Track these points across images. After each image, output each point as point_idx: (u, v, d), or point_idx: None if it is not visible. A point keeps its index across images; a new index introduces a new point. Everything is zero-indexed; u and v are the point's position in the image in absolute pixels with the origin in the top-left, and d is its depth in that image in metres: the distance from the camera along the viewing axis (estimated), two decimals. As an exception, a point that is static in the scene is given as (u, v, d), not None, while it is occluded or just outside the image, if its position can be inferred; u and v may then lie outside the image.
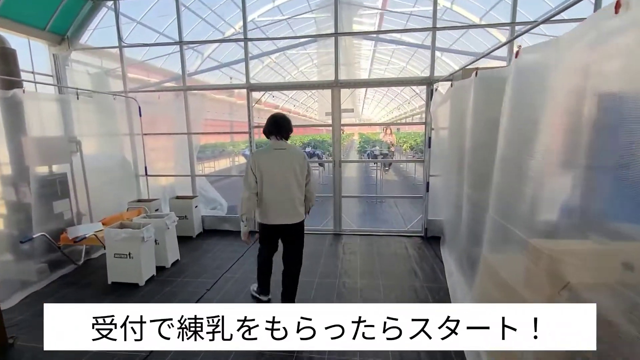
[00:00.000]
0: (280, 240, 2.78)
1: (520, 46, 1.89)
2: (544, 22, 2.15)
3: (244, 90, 4.57)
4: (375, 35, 5.47)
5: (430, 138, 4.31)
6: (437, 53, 10.55)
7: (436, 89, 4.05)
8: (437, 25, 4.12)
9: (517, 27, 4.09)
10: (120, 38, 4.68)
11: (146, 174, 4.97)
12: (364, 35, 5.05)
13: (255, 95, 4.71)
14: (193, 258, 4.01)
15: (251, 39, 4.52)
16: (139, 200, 4.71)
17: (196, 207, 4.77)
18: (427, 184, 4.46)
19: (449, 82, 4.04)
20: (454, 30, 8.87)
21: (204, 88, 4.69)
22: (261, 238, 2.78)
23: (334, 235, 4.72)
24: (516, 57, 1.90)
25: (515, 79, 1.94)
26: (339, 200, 4.73)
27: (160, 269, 3.61)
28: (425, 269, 3.60)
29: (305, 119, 25.47)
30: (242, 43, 4.50)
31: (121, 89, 4.94)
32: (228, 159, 10.81)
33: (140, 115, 4.83)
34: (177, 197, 4.86)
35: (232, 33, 7.69)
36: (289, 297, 2.79)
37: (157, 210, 4.62)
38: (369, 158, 8.35)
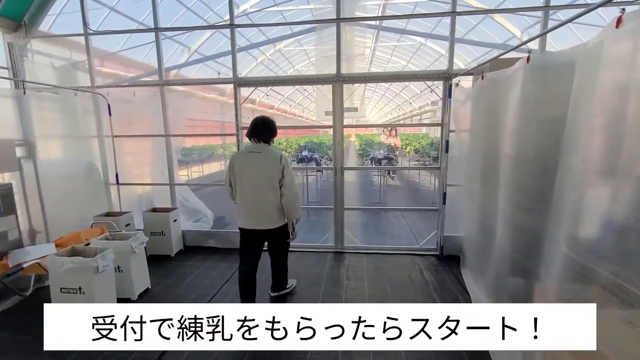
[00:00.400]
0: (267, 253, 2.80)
1: (623, 10, 1.28)
2: (603, 3, 1.51)
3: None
4: (382, 22, 4.84)
5: (447, 142, 3.69)
6: (441, 50, 9.99)
7: (457, 84, 3.44)
8: (457, 10, 3.50)
9: (550, 12, 3.50)
10: (85, 24, 4.00)
11: (117, 183, 4.29)
12: (370, 22, 4.39)
13: (245, 92, 4.07)
14: (167, 286, 3.34)
15: (238, 25, 3.87)
16: (108, 214, 4.02)
17: (175, 221, 4.10)
18: (444, 194, 3.83)
19: (472, 78, 3.45)
20: (462, 24, 8.32)
21: (183, 83, 4.05)
22: (240, 245, 2.67)
23: (335, 253, 4.08)
24: (617, 26, 1.28)
25: (612, 59, 1.32)
26: (340, 213, 4.09)
27: (124, 303, 2.95)
28: (448, 301, 2.96)
29: (301, 119, 24.84)
30: (228, 32, 3.85)
31: (96, 84, 4.25)
32: (219, 162, 10.10)
33: (110, 114, 4.15)
34: (154, 210, 4.18)
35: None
36: (275, 287, 2.97)
37: (127, 225, 3.94)
38: (371, 162, 7.69)
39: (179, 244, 4.22)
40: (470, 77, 3.49)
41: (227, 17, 3.86)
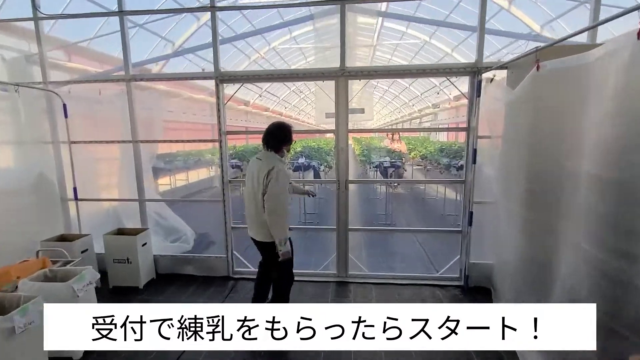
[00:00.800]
0: None
1: None
2: None
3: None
4: (389, 7, 4.18)
5: (475, 150, 3.04)
6: (447, 48, 9.38)
7: (491, 80, 2.79)
8: (489, -11, 2.86)
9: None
10: (34, 6, 3.29)
11: (76, 198, 3.57)
12: (378, 4, 3.70)
13: (230, 90, 3.39)
14: (126, 333, 2.63)
15: (220, 8, 3.18)
16: (62, 238, 3.30)
17: (144, 245, 3.38)
18: (470, 214, 3.16)
19: (507, 73, 2.81)
20: (470, 18, 7.71)
21: (154, 78, 3.35)
22: None
23: (338, 284, 3.39)
24: None
25: None
26: (344, 235, 3.41)
27: (62, 364, 2.26)
28: (488, 356, 2.29)
29: (297, 122, 24.15)
30: (209, 21, 3.16)
31: (51, 79, 3.54)
32: (207, 169, 9.30)
33: (66, 115, 3.44)
34: (119, 231, 3.46)
35: (207, 19, 6.37)
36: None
37: (84, 251, 3.23)
38: (377, 170, 6.98)
39: (150, 272, 3.49)
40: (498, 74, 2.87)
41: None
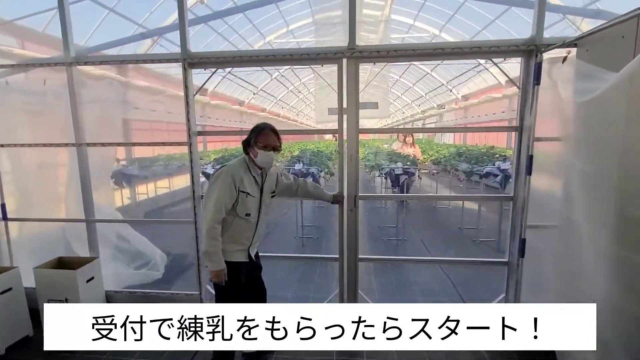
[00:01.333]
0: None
1: None
2: None
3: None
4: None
5: (531, 157, 2.25)
6: (470, 28, 8.58)
7: (564, 60, 2.00)
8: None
9: None
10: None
11: (5, 218, 2.76)
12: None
13: (198, 79, 2.61)
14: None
15: (188, -34, 2.41)
16: (-21, 272, 2.50)
17: (91, 280, 2.58)
18: (522, 242, 2.37)
19: (576, 52, 2.04)
20: (489, 10, 6.97)
21: (105, 61, 2.54)
22: None
23: (346, 331, 2.59)
24: None
25: None
26: (353, 267, 2.60)
27: None
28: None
29: (295, 124, 23.36)
30: (194, 7, 2.39)
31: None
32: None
33: (-11, 110, 2.65)
34: (59, 262, 2.66)
35: (193, 4, 5.60)
36: None
37: (6, 292, 2.42)
38: (386, 178, 6.13)
39: (100, 315, 2.68)
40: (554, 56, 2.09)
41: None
